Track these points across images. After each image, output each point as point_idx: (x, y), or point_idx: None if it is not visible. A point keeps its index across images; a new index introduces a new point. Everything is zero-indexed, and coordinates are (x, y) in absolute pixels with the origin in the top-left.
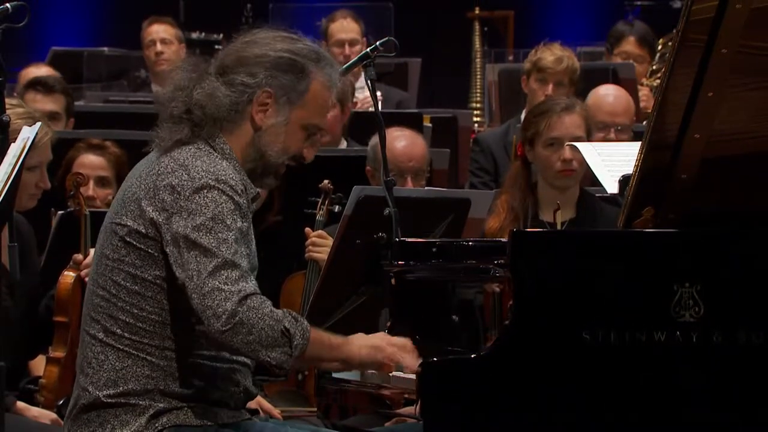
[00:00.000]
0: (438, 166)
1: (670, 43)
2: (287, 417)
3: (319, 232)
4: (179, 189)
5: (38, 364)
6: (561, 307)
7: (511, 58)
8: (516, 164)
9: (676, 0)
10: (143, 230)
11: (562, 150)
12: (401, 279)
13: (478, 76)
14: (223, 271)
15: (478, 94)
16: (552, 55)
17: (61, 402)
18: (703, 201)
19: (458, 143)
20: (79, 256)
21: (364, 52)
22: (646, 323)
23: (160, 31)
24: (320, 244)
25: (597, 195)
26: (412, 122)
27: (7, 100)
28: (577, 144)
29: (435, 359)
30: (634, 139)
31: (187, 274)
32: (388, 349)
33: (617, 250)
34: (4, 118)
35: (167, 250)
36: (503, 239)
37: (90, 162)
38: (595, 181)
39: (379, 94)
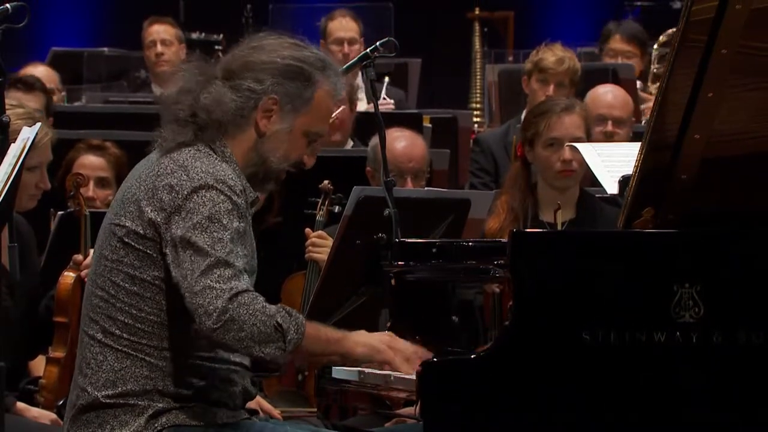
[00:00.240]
0: (438, 167)
1: (666, 41)
2: (287, 417)
3: (319, 232)
4: (178, 189)
5: (38, 365)
6: (561, 307)
7: (511, 58)
8: (516, 165)
9: (676, 0)
10: (142, 231)
11: (561, 150)
12: (401, 279)
13: (478, 77)
14: (215, 270)
15: (478, 95)
16: (553, 55)
17: (60, 402)
18: (703, 201)
19: (458, 144)
20: (79, 257)
21: (363, 52)
22: (646, 324)
23: (160, 31)
24: (320, 245)
25: (597, 195)
26: (412, 123)
27: (7, 101)
28: (576, 144)
29: (435, 359)
30: (634, 139)
31: (181, 273)
32: (387, 353)
33: (617, 250)
34: (4, 119)
35: (166, 251)
36: (503, 240)
37: (90, 163)
38: (595, 182)
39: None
